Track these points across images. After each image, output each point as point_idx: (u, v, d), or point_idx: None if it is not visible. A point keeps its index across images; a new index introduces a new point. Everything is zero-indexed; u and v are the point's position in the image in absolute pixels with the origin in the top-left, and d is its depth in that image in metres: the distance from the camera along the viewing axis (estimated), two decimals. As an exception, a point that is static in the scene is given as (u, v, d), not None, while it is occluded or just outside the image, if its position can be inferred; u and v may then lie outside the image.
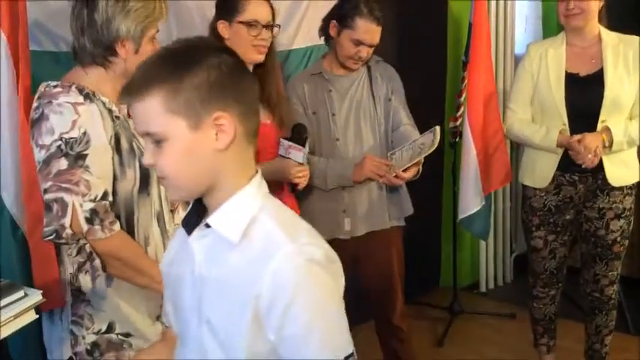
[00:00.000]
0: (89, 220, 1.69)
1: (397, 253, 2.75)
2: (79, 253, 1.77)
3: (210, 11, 2.36)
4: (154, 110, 1.15)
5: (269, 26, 2.25)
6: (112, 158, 1.74)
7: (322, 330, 1.15)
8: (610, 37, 2.81)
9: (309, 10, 3.08)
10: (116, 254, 1.75)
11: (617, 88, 2.74)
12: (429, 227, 3.97)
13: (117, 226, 1.74)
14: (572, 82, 2.78)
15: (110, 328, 1.78)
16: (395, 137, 2.67)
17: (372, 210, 2.65)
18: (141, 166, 1.77)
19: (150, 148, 1.19)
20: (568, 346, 3.24)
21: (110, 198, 1.73)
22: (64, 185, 1.68)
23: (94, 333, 1.78)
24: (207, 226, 1.21)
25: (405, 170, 2.52)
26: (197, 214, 1.24)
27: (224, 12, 2.25)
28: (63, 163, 1.68)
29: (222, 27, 2.25)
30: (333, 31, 2.57)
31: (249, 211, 1.19)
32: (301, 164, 2.31)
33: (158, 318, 1.85)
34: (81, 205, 1.68)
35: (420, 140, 2.53)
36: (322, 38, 2.68)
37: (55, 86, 1.75)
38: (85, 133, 1.70)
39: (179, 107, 1.14)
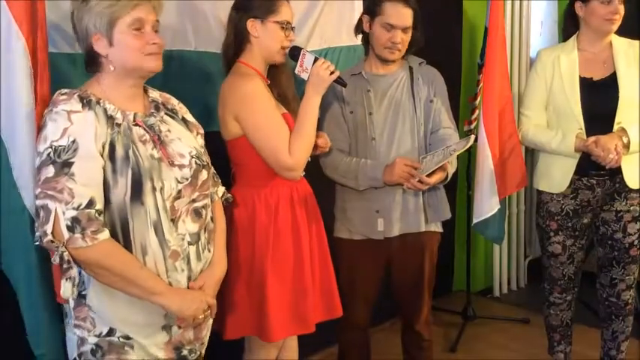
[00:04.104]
0: (70, 229, 1.68)
1: (430, 259, 2.70)
2: None
3: (226, 15, 2.37)
4: None
5: (293, 28, 2.33)
6: (105, 166, 1.74)
7: None
8: (619, 42, 2.84)
9: (323, 13, 3.09)
10: (100, 263, 1.72)
11: (630, 90, 2.75)
12: (443, 231, 3.96)
13: (102, 235, 1.71)
14: (587, 86, 2.78)
15: (111, 331, 1.79)
16: (432, 140, 2.62)
17: (407, 212, 2.60)
18: (133, 174, 1.76)
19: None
20: (581, 351, 3.23)
21: (98, 206, 1.72)
22: (49, 192, 1.69)
23: (95, 335, 1.79)
24: None
25: (429, 175, 2.47)
26: None
27: (256, 11, 2.27)
28: (50, 171, 1.69)
29: (253, 25, 2.27)
30: (366, 26, 2.59)
31: None
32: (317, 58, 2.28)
33: (164, 328, 1.85)
34: (63, 213, 1.68)
35: (452, 146, 2.48)
36: (360, 37, 2.69)
37: (63, 93, 1.77)
38: (74, 142, 1.71)
39: None
